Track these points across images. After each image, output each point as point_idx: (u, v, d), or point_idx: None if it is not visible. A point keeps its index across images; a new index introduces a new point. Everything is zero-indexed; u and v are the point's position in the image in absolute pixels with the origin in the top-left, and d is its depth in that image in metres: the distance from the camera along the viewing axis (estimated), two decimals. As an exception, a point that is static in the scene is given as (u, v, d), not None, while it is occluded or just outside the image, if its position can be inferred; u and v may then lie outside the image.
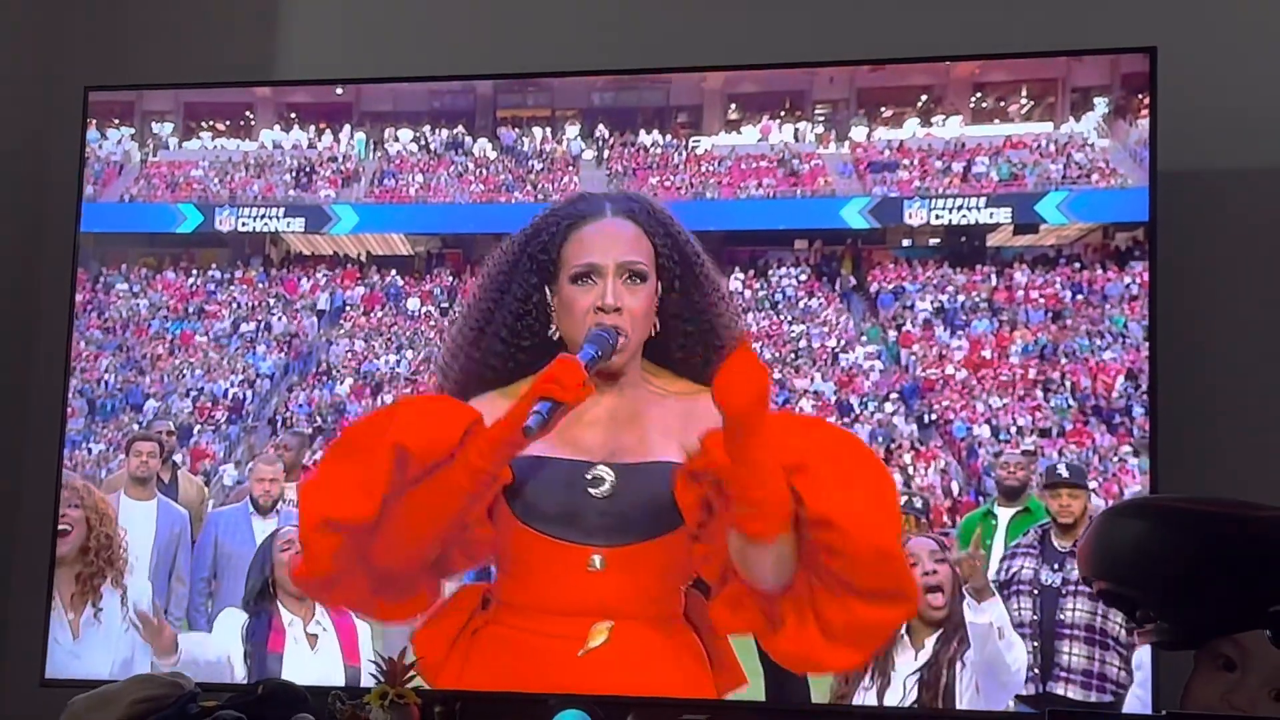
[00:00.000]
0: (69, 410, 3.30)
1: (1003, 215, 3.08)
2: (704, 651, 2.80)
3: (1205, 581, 1.99)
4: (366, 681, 2.94)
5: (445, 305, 3.28)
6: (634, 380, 2.80)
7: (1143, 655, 2.81)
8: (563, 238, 2.76)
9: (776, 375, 3.13)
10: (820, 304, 3.16)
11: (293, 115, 3.38)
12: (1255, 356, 3.06)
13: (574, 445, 2.72)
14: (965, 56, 3.12)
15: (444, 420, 2.66)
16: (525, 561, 2.73)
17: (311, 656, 3.09)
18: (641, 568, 2.73)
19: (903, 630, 2.87)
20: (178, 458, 3.28)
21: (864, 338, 3.14)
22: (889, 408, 3.09)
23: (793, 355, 3.16)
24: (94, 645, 3.17)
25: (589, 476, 2.71)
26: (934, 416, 3.04)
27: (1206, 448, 2.98)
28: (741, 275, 3.17)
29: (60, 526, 3.19)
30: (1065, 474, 2.92)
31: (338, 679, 3.05)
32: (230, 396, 3.32)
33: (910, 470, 3.04)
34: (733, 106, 3.25)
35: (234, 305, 3.35)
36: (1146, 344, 2.90)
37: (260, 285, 3.35)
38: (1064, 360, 3.01)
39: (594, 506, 2.70)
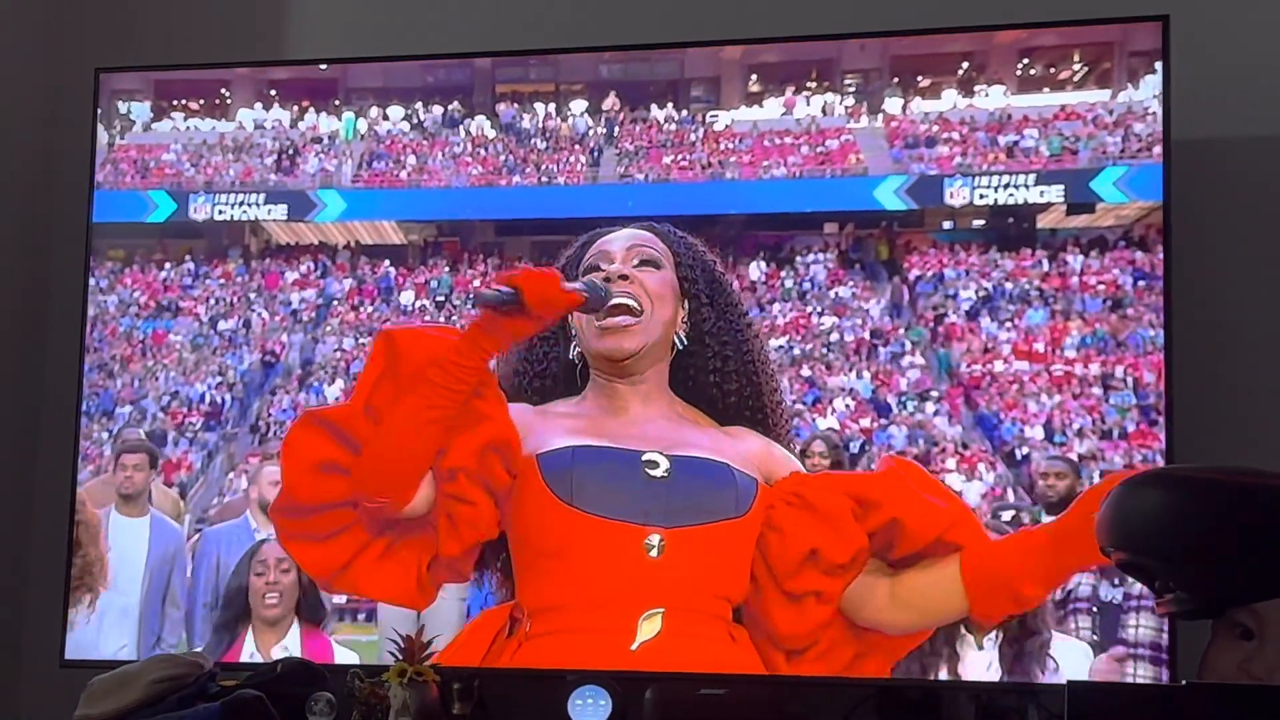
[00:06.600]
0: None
1: (1054, 194, 2.95)
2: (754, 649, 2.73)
3: (1223, 550, 2.06)
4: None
5: (441, 299, 3.15)
6: (658, 393, 2.77)
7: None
8: (583, 251, 2.82)
9: (806, 372, 2.98)
10: (852, 294, 3.01)
11: (273, 93, 3.26)
12: (1273, 326, 2.99)
13: (611, 437, 2.70)
14: (977, 28, 2.99)
15: (438, 331, 2.73)
16: (571, 548, 2.64)
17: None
18: (701, 554, 2.65)
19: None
20: (150, 469, 3.17)
21: (902, 331, 3.00)
22: (929, 408, 2.94)
23: (824, 350, 3.01)
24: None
25: (644, 459, 2.68)
26: (1003, 436, 2.91)
27: (1223, 420, 2.91)
28: (764, 264, 3.03)
29: None
30: None
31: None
32: (208, 401, 3.18)
33: (956, 477, 2.88)
34: (754, 78, 3.12)
35: (211, 301, 3.22)
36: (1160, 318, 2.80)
37: (240, 279, 3.23)
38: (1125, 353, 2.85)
39: (651, 486, 2.65)
